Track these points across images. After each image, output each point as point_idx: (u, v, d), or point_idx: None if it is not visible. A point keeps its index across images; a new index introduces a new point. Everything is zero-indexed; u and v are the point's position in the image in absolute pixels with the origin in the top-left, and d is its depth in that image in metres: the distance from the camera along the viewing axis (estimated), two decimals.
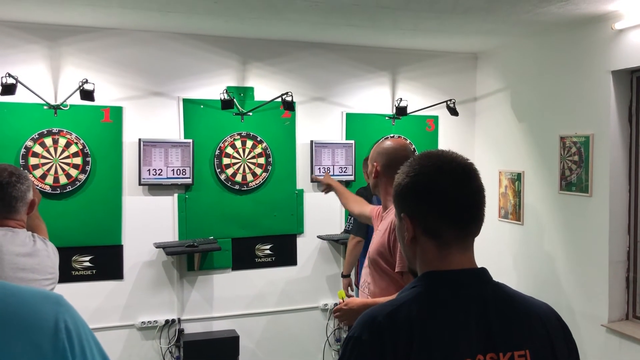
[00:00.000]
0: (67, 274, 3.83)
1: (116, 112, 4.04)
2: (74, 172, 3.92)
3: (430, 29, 3.99)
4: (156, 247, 4.09)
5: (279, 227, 4.47)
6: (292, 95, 4.15)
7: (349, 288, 4.12)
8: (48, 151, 3.86)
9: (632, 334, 3.43)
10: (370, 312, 1.06)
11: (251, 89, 4.37)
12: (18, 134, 3.80)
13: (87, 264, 3.99)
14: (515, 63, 4.52)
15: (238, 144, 4.32)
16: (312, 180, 3.21)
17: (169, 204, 4.20)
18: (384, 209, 2.34)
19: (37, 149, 3.83)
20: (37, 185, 3.79)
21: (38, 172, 3.83)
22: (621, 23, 3.45)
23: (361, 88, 4.67)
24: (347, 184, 4.64)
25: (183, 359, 4.07)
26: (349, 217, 4.12)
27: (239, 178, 4.32)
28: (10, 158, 3.75)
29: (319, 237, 4.54)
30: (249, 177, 4.35)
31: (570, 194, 3.89)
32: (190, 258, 4.22)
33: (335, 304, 2.28)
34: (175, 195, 4.21)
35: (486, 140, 4.89)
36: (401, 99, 4.58)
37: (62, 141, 3.89)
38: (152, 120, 4.15)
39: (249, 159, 4.34)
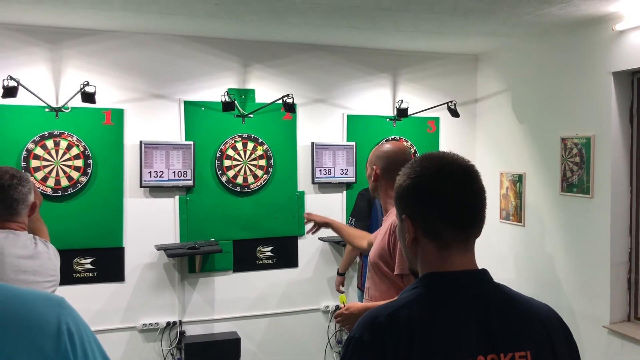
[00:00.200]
0: (68, 276, 3.84)
1: (117, 115, 4.04)
2: (75, 175, 3.92)
3: (431, 30, 3.99)
4: (157, 249, 4.10)
5: (280, 229, 4.47)
6: (293, 97, 4.15)
7: (341, 284, 4.19)
8: (49, 154, 3.86)
9: (634, 336, 3.43)
10: (371, 313, 1.07)
11: (252, 91, 4.37)
12: (19, 136, 3.80)
13: (89, 266, 4.00)
14: (516, 64, 4.52)
15: (239, 145, 4.32)
16: (306, 218, 2.93)
17: (170, 206, 4.20)
18: (384, 212, 2.34)
19: (39, 151, 3.84)
20: (39, 188, 3.79)
21: (39, 175, 3.84)
22: (622, 24, 3.45)
23: (362, 90, 4.67)
24: (348, 185, 4.65)
25: None
26: (351, 217, 4.13)
27: (240, 180, 4.32)
28: (11, 160, 3.76)
29: (320, 239, 4.54)
30: (250, 179, 4.35)
31: (572, 195, 3.89)
32: (191, 260, 4.23)
33: (337, 306, 2.27)
34: (177, 197, 4.21)
35: (487, 142, 4.89)
36: (402, 100, 4.59)
37: (63, 143, 3.89)
38: (153, 122, 4.16)
39: (250, 161, 4.35)
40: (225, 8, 3.42)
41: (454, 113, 4.55)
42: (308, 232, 2.98)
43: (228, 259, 4.33)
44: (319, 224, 2.85)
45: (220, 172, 4.28)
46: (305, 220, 2.92)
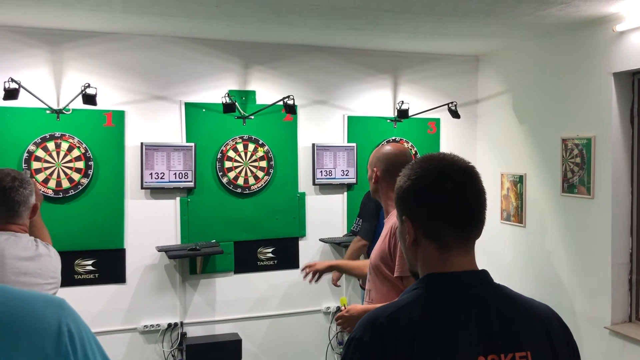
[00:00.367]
0: (69, 278, 3.84)
1: (118, 116, 4.05)
2: (76, 176, 3.93)
3: (431, 31, 3.99)
4: (158, 251, 4.10)
5: (281, 230, 4.47)
6: (293, 99, 4.15)
7: (337, 280, 4.14)
8: (50, 155, 3.87)
9: (635, 337, 3.42)
10: (371, 313, 1.07)
11: (253, 93, 4.38)
12: (21, 138, 3.81)
13: (90, 267, 4.00)
14: (516, 65, 4.53)
15: (240, 147, 4.33)
16: (306, 271, 2.78)
17: (171, 207, 4.20)
18: (385, 214, 2.34)
19: (40, 153, 3.84)
20: (40, 190, 3.80)
21: (41, 177, 3.84)
22: (622, 25, 3.45)
23: (363, 91, 4.67)
24: (349, 186, 4.65)
25: None
26: (357, 218, 4.12)
27: (240, 181, 4.33)
28: (13, 162, 3.76)
29: (321, 240, 4.55)
30: (251, 181, 4.36)
31: (573, 196, 3.88)
32: (192, 261, 4.23)
33: (338, 308, 2.25)
34: (178, 198, 4.21)
35: (488, 143, 4.89)
36: (403, 101, 4.59)
37: (64, 145, 3.90)
38: (154, 124, 4.16)
39: (250, 162, 4.35)
40: (225, 10, 3.43)
41: (455, 114, 4.55)
42: (310, 282, 2.81)
43: (229, 261, 4.33)
44: (322, 271, 2.76)
45: (221, 173, 4.28)
46: (306, 273, 2.77)
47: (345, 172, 4.59)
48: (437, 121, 4.87)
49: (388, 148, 2.34)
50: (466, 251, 1.12)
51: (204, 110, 4.25)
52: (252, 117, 4.34)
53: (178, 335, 4.18)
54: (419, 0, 3.21)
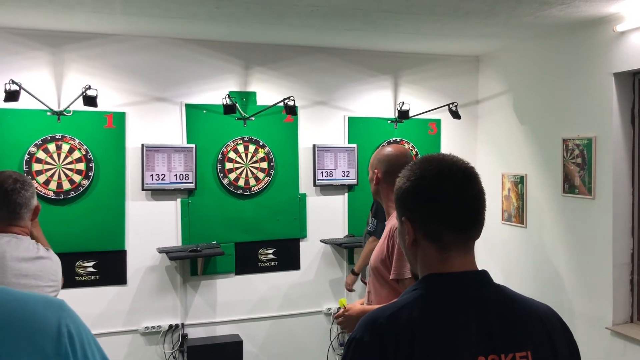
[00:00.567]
0: (70, 280, 3.84)
1: (119, 118, 4.05)
2: (77, 178, 3.93)
3: (432, 32, 4.00)
4: (159, 252, 4.10)
5: (282, 231, 4.47)
6: (294, 100, 4.16)
7: (353, 284, 4.17)
8: (51, 157, 3.87)
9: (636, 337, 3.42)
10: (371, 314, 1.07)
11: (253, 94, 4.38)
12: (21, 140, 3.81)
13: (91, 269, 4.00)
14: (517, 66, 4.52)
15: (240, 148, 4.33)
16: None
17: (172, 208, 4.21)
18: (386, 215, 2.34)
19: (41, 155, 3.85)
20: (41, 191, 3.81)
21: (41, 178, 3.84)
22: (623, 25, 3.45)
23: (363, 92, 4.68)
24: (349, 187, 4.65)
25: None
26: (373, 218, 4.08)
27: (241, 182, 4.33)
28: (13, 164, 3.77)
29: (321, 241, 4.55)
30: (252, 182, 4.36)
31: (574, 196, 3.88)
32: (193, 263, 4.23)
33: (338, 309, 2.23)
34: (178, 200, 4.22)
35: (489, 143, 4.89)
36: (403, 102, 4.59)
37: (65, 147, 3.90)
38: (154, 125, 4.17)
39: (251, 164, 4.35)
40: (226, 11, 3.43)
41: (455, 115, 4.55)
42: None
43: (230, 262, 4.33)
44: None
45: (221, 174, 4.28)
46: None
47: (346, 173, 4.59)
48: (437, 122, 4.87)
49: (389, 149, 2.34)
50: (466, 252, 1.12)
51: (204, 111, 4.25)
52: (253, 118, 4.34)
53: (179, 337, 4.18)
54: (419, 0, 3.21)
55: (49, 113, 3.87)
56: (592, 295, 3.74)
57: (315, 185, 4.53)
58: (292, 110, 4.15)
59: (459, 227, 1.10)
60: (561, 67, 4.01)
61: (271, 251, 4.46)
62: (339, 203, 4.64)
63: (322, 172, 4.52)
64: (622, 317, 3.61)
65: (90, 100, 3.70)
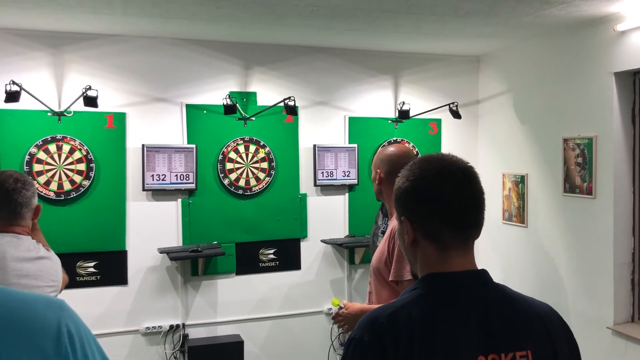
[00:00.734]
0: (71, 280, 3.81)
1: (119, 118, 4.05)
2: (78, 178, 3.94)
3: (432, 32, 3.99)
4: (160, 253, 4.10)
5: (283, 231, 4.47)
6: (294, 100, 4.16)
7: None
8: (52, 158, 3.87)
9: (637, 337, 3.41)
10: (371, 313, 1.07)
11: (254, 94, 4.38)
12: (22, 140, 3.82)
13: (92, 269, 4.01)
14: (517, 65, 4.52)
15: (241, 148, 4.33)
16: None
17: (172, 209, 4.21)
18: (389, 215, 2.34)
19: (41, 155, 3.85)
20: (42, 192, 3.81)
21: (42, 179, 3.85)
22: (623, 24, 3.44)
23: (364, 92, 4.67)
24: (350, 187, 4.64)
25: None
26: (384, 217, 4.05)
27: (242, 183, 4.33)
28: (14, 165, 3.77)
29: (322, 241, 4.54)
30: (252, 182, 4.36)
31: (574, 196, 3.88)
32: (194, 263, 4.23)
33: (330, 309, 2.22)
34: (179, 200, 4.22)
35: (489, 143, 4.89)
36: (404, 102, 4.59)
37: (66, 147, 3.91)
38: (155, 126, 4.17)
39: (252, 164, 4.35)
40: (226, 11, 3.43)
41: (456, 114, 4.55)
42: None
43: (231, 262, 4.33)
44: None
45: (222, 175, 4.28)
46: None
47: (347, 173, 4.59)
48: (438, 122, 4.87)
49: (391, 149, 2.34)
50: (465, 251, 1.12)
51: (205, 111, 4.25)
52: (253, 118, 4.35)
53: (180, 337, 4.18)
54: (419, 0, 3.21)
55: (49, 114, 3.87)
56: (592, 295, 3.74)
57: (315, 185, 4.53)
58: (292, 111, 4.16)
59: (458, 226, 1.10)
60: (562, 66, 4.01)
61: (272, 251, 4.46)
62: (340, 203, 4.64)
63: (322, 172, 4.52)
64: (623, 317, 3.60)
65: (90, 101, 3.70)
